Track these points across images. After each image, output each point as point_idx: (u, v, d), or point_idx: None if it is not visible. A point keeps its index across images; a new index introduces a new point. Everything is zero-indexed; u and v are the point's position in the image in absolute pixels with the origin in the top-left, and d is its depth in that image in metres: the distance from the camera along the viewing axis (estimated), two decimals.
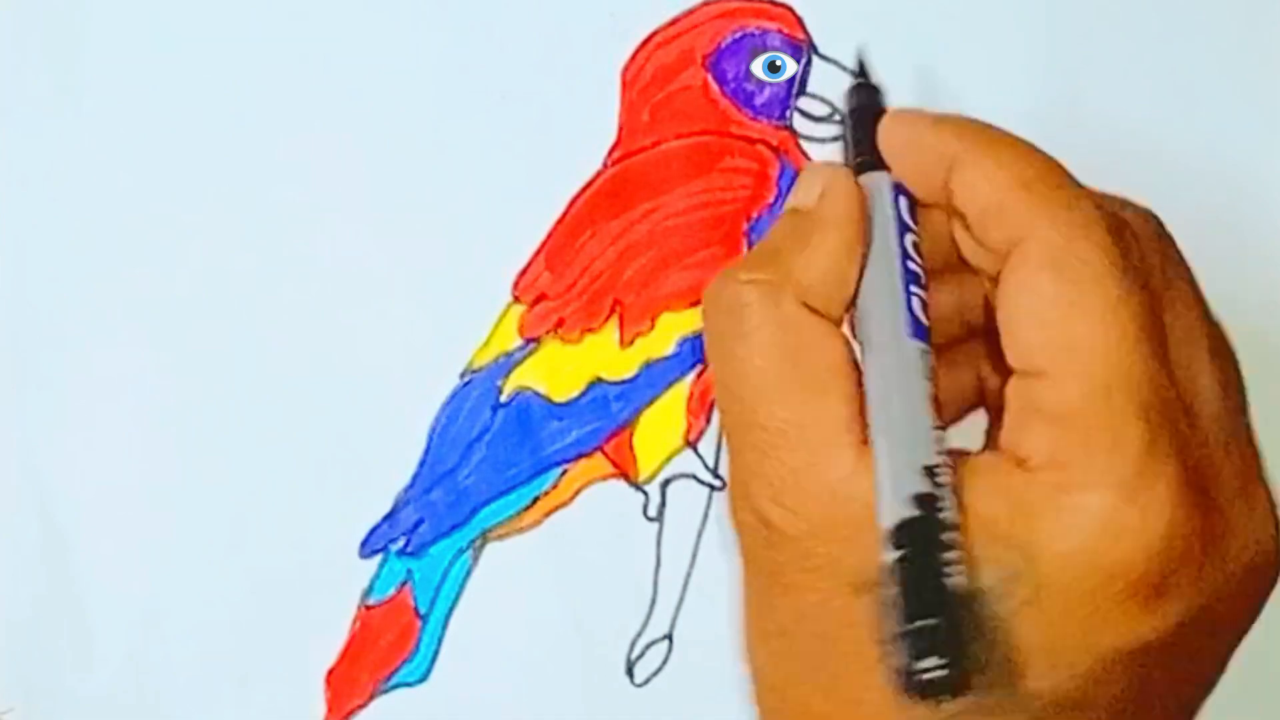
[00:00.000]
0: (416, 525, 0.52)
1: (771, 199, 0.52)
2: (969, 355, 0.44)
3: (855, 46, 0.46)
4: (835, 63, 0.52)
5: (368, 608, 0.52)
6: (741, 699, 0.52)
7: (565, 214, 0.52)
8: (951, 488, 0.38)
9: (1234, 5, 0.53)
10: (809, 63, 0.52)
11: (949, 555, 0.37)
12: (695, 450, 0.52)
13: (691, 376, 0.52)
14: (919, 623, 0.36)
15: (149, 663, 0.52)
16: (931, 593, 0.36)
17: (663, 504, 0.52)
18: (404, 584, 0.52)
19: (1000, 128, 0.42)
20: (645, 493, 0.52)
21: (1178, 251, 0.43)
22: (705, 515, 0.52)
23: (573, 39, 0.52)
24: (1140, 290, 0.40)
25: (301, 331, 0.52)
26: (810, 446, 0.39)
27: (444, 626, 0.52)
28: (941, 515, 0.37)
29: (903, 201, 0.43)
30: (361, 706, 0.52)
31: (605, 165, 0.52)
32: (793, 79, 0.52)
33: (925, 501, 0.37)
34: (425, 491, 0.52)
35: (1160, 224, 0.43)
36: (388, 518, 0.52)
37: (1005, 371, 0.40)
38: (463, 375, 0.52)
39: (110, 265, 0.52)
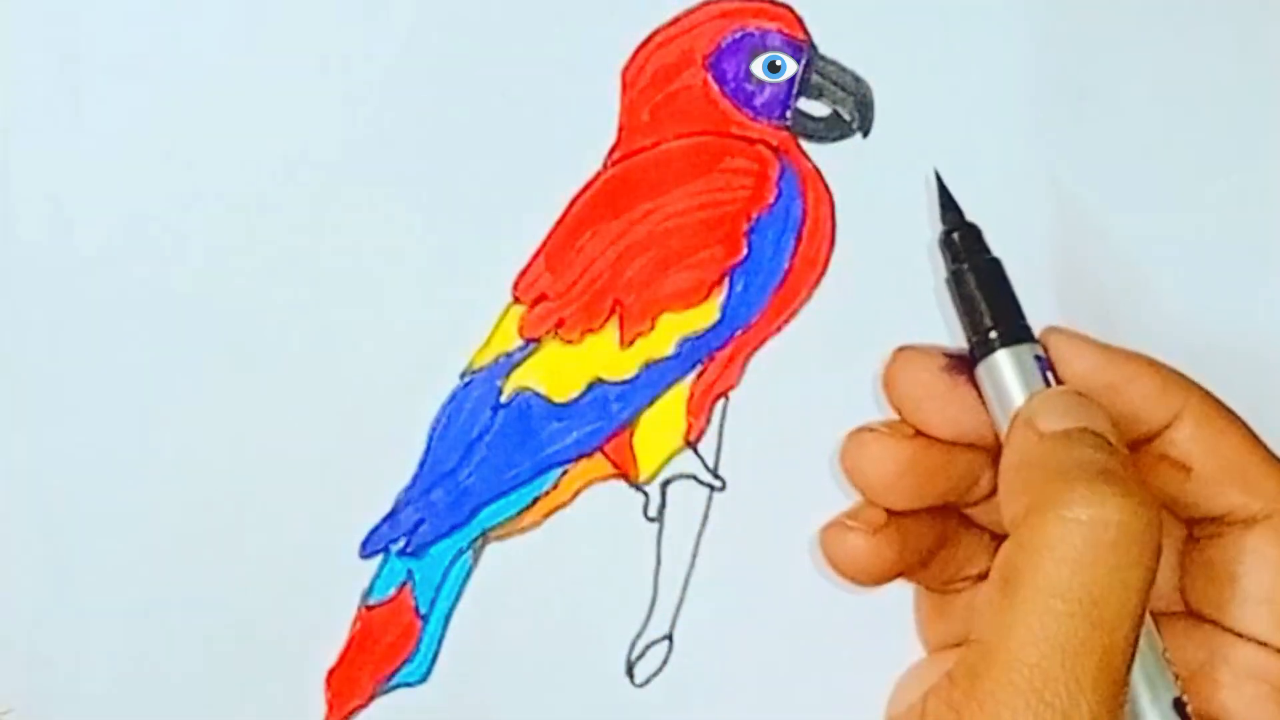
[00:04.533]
0: (417, 525, 0.52)
1: (771, 199, 0.52)
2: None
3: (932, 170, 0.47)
4: (835, 63, 0.52)
5: (368, 608, 0.52)
6: (741, 699, 0.53)
7: (565, 214, 0.52)
8: None
9: (1235, 5, 0.53)
10: (809, 63, 0.52)
11: None
12: (695, 451, 0.52)
13: (691, 377, 0.52)
14: None
15: (149, 663, 0.52)
16: None
17: (663, 504, 0.52)
18: (404, 584, 0.52)
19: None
20: (645, 493, 0.52)
21: None
22: (705, 515, 0.52)
23: (573, 39, 0.52)
24: None
25: (301, 331, 0.52)
26: None
27: (444, 627, 0.52)
28: None
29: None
30: (362, 707, 0.52)
31: (605, 165, 0.52)
32: (793, 79, 0.52)
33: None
34: (425, 492, 0.52)
35: None
36: (388, 518, 0.52)
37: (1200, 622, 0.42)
38: (463, 375, 0.52)
39: (110, 265, 0.52)
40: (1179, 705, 0.39)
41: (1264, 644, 0.41)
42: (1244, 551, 0.41)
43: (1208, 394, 0.43)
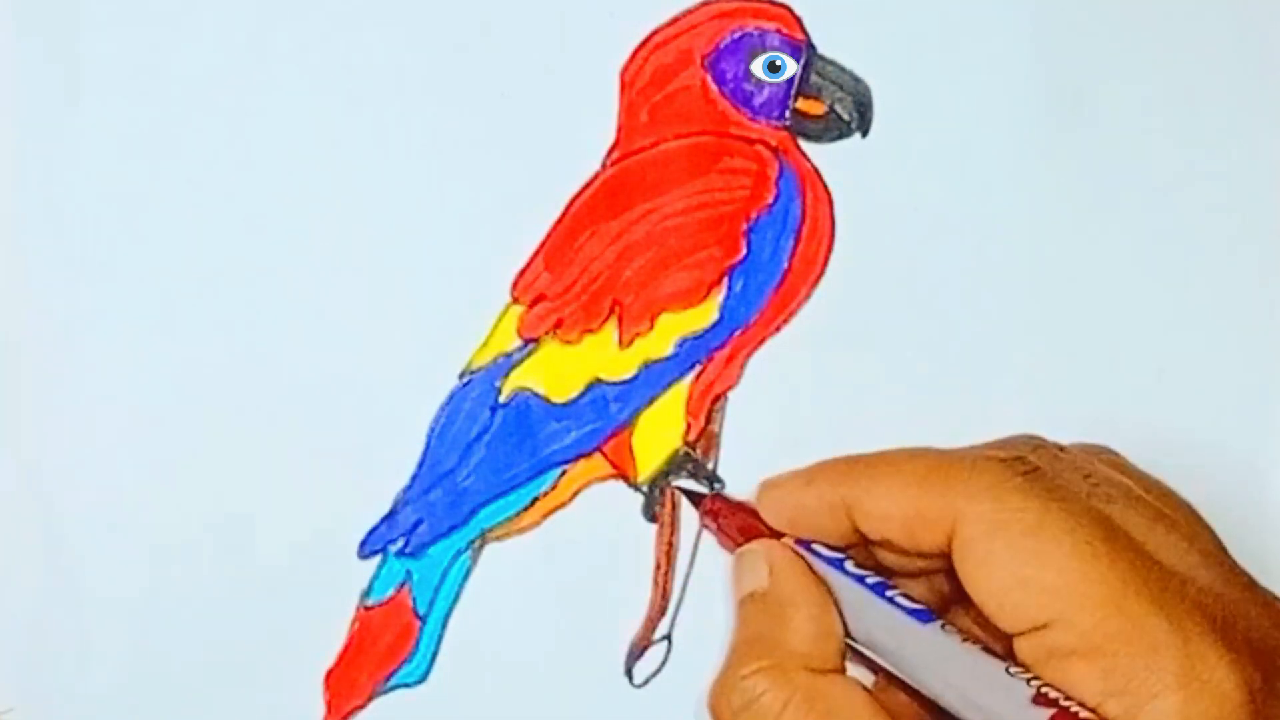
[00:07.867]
0: (415, 526, 0.52)
1: (770, 199, 0.52)
2: None
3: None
4: (834, 63, 0.52)
5: (366, 608, 0.52)
6: None
7: (564, 214, 0.52)
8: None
9: (1234, 5, 0.52)
10: (808, 63, 0.52)
11: None
12: (694, 451, 0.52)
13: (690, 377, 0.52)
14: None
15: (149, 663, 0.52)
16: None
17: (662, 505, 0.52)
18: (403, 585, 0.52)
19: (857, 454, 0.46)
20: (644, 493, 0.52)
21: (1073, 452, 0.45)
22: None
23: (572, 39, 0.52)
24: (1079, 505, 0.42)
25: (301, 331, 0.52)
26: None
27: (443, 627, 0.52)
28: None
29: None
30: (360, 707, 0.52)
31: (604, 166, 0.52)
32: (792, 79, 0.52)
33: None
34: (424, 492, 0.52)
35: (1045, 442, 0.46)
36: (387, 518, 0.52)
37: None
38: (462, 376, 0.52)
39: (110, 265, 0.52)
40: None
41: (1014, 632, 0.42)
42: (961, 573, 0.43)
43: (862, 474, 0.45)
